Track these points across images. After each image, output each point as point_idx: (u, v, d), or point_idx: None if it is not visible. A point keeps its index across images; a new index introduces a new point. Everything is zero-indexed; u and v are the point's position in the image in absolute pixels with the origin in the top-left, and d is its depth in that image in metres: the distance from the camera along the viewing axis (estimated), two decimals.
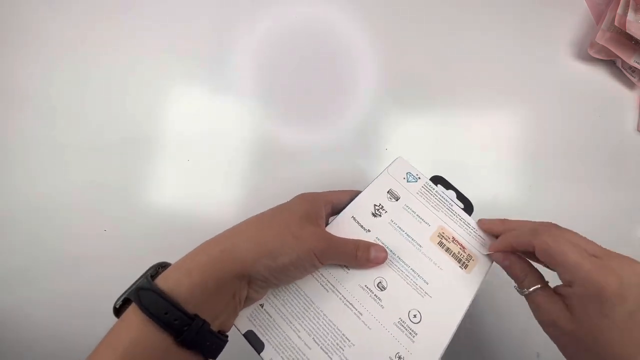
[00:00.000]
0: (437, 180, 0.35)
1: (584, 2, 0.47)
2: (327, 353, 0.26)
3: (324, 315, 0.27)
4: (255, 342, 0.25)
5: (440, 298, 0.28)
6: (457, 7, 0.47)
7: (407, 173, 0.34)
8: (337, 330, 0.26)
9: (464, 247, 0.31)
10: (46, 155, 0.47)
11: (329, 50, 0.47)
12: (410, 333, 0.27)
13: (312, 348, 0.26)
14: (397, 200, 0.33)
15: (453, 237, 0.31)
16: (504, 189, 0.47)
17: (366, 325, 0.27)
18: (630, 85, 0.47)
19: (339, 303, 0.27)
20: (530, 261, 0.28)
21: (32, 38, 0.47)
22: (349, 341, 0.26)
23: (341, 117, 0.47)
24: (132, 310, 0.19)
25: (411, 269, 0.29)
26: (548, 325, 0.24)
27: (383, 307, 0.28)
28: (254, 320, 0.26)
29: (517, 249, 0.28)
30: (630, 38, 0.44)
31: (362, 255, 0.27)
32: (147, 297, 0.18)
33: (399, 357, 0.26)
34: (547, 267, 0.25)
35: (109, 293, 0.46)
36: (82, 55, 0.47)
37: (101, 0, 0.47)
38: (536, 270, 0.27)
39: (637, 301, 0.20)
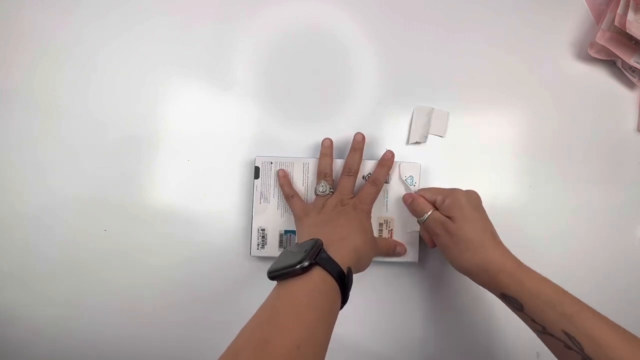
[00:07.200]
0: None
1: (584, 2, 0.47)
2: None
3: None
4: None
5: None
6: (457, 8, 0.47)
7: (410, 176, 0.44)
8: None
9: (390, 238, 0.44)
10: (46, 155, 0.47)
11: (330, 50, 0.47)
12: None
13: None
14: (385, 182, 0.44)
15: (392, 230, 0.44)
16: (504, 189, 0.47)
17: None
18: (630, 85, 0.47)
19: None
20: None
21: (32, 38, 0.47)
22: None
23: (342, 117, 0.47)
24: (317, 271, 0.32)
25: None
26: (439, 232, 0.38)
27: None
28: None
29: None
30: (630, 38, 0.44)
31: (394, 253, 0.44)
32: (329, 264, 0.33)
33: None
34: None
35: (109, 292, 0.46)
36: (82, 55, 0.47)
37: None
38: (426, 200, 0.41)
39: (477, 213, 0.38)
